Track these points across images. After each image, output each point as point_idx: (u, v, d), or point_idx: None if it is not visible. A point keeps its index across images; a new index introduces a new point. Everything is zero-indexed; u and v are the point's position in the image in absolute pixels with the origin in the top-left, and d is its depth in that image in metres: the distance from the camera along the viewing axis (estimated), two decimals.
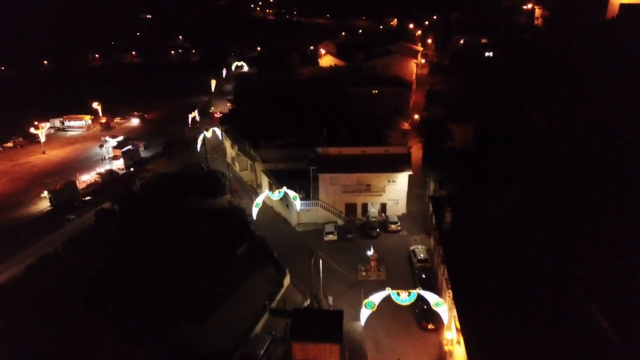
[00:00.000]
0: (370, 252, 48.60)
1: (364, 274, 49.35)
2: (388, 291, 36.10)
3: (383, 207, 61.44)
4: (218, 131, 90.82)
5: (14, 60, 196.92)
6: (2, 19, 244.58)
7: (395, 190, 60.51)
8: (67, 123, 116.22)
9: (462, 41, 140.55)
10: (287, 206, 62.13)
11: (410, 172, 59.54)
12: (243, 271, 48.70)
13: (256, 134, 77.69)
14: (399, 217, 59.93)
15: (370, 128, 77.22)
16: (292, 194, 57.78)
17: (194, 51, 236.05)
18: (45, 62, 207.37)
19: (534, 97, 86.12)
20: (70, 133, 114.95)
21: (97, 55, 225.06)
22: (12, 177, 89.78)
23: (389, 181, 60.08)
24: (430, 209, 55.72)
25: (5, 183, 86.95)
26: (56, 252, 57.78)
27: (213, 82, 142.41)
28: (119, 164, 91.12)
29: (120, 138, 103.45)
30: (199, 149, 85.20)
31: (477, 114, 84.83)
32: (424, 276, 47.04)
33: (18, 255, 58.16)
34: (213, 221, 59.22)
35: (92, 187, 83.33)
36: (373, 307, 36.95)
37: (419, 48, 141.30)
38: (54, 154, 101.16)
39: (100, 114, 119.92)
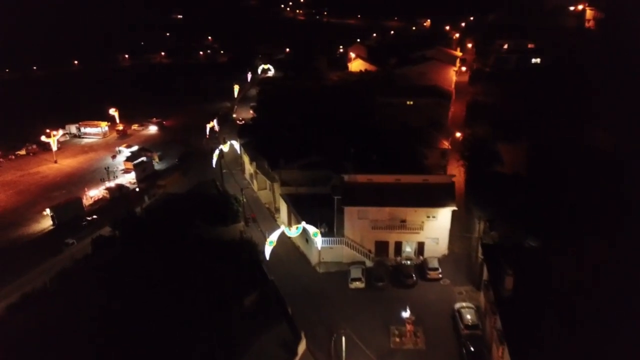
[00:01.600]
0: (406, 314, 39.36)
1: (397, 340, 40.12)
2: None
3: (420, 246, 52.02)
4: (236, 144, 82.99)
5: (46, 60, 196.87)
6: (35, 19, 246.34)
7: (435, 228, 51.00)
8: (83, 130, 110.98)
9: (505, 46, 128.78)
10: (307, 240, 53.45)
11: (454, 208, 49.90)
12: (250, 329, 40.31)
13: (276, 150, 69.48)
14: (439, 260, 50.36)
15: (403, 146, 67.87)
16: (312, 230, 49.16)
17: (222, 52, 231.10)
18: (76, 62, 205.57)
19: (597, 112, 74.99)
20: (85, 140, 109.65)
21: (126, 56, 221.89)
22: (19, 189, 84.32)
23: (428, 217, 50.62)
24: (480, 254, 46.09)
25: (11, 196, 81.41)
26: (44, 288, 50.79)
27: (236, 88, 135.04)
28: (130, 178, 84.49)
29: (135, 148, 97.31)
30: (214, 165, 77.49)
31: (529, 131, 74.43)
32: (472, 349, 37.51)
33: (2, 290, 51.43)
34: (221, 256, 51.35)
35: (99, 204, 76.88)
36: None
37: (458, 53, 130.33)
38: (66, 164, 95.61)
39: (117, 121, 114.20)
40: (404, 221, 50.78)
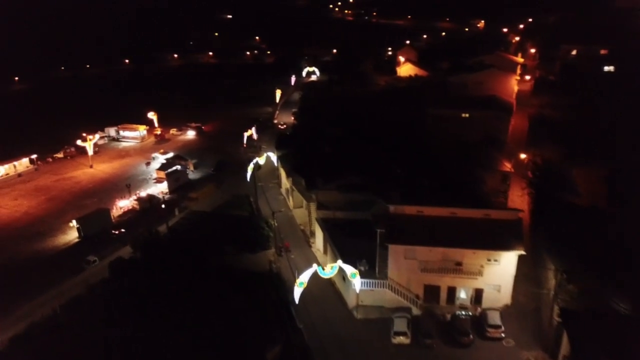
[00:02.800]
0: None
1: None
2: None
3: (478, 293, 43.86)
4: (273, 157, 77.09)
5: (100, 60, 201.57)
6: (90, 19, 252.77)
7: (497, 274, 42.72)
8: (121, 133, 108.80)
9: (574, 52, 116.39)
10: (344, 278, 46.40)
11: (522, 252, 41.41)
12: None
13: (314, 167, 63.05)
14: (501, 313, 42.04)
15: (458, 167, 59.58)
16: (349, 270, 42.11)
17: (268, 53, 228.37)
18: (127, 60, 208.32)
19: None
20: (123, 144, 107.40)
21: (175, 55, 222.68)
22: (51, 195, 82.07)
23: (489, 260, 42.42)
24: (556, 315, 37.57)
25: (42, 203, 79.14)
26: (54, 316, 46.56)
27: (278, 93, 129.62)
28: (162, 187, 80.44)
29: (170, 154, 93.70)
30: (248, 178, 71.88)
31: (606, 153, 64.02)
32: None
33: (7, 318, 47.41)
34: (247, 291, 45.39)
35: (128, 215, 73.08)
36: None
37: (519, 59, 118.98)
38: (101, 169, 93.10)
39: (156, 125, 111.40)
40: (459, 264, 42.82)
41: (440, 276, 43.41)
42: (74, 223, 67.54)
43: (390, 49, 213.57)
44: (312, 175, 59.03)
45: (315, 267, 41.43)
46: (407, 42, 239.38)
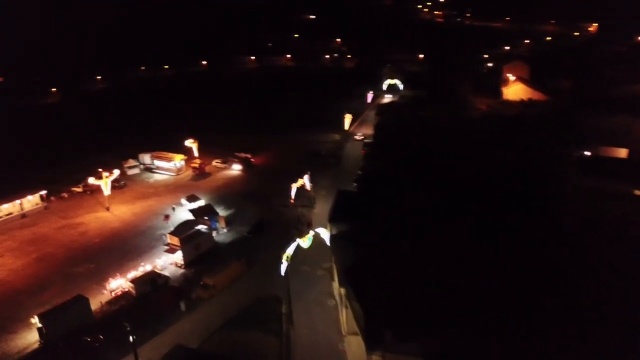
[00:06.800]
0: None
1: None
2: None
3: None
4: (325, 234, 52.52)
5: (175, 60, 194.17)
6: (169, 20, 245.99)
7: None
8: (155, 162, 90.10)
9: None
10: None
11: None
12: None
13: (381, 284, 37.65)
14: None
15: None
16: None
17: (349, 56, 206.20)
18: (204, 62, 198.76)
19: None
20: (156, 176, 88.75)
21: (252, 57, 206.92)
22: (44, 252, 63.99)
23: None
24: None
25: (28, 266, 60.88)
26: None
27: (347, 118, 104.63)
28: (177, 258, 59.17)
29: (202, 202, 72.64)
30: (283, 272, 48.03)
31: None
32: None
33: None
34: None
35: (119, 303, 52.45)
36: None
37: None
38: (118, 214, 74.42)
39: (196, 154, 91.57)
40: None
41: None
42: (35, 320, 47.86)
43: (486, 56, 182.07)
44: (377, 317, 33.47)
45: None
46: (506, 47, 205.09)
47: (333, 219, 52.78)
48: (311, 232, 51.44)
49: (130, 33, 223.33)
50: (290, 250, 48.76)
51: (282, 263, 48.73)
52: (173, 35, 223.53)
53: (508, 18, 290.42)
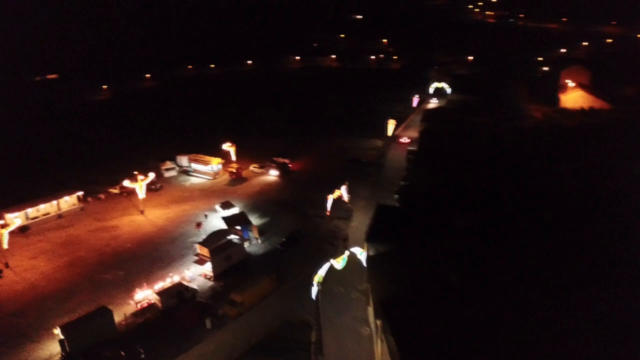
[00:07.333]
0: None
1: None
2: None
3: None
4: (361, 254, 48.30)
5: (226, 60, 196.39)
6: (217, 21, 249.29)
7: None
8: (192, 165, 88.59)
9: None
10: None
11: None
12: None
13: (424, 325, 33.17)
14: None
15: None
16: None
17: (395, 57, 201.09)
18: (249, 62, 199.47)
19: None
20: (193, 180, 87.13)
21: (297, 58, 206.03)
22: (76, 255, 63.07)
23: None
24: None
25: (59, 269, 59.97)
26: None
27: (391, 125, 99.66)
28: (206, 269, 56.67)
29: (235, 210, 70.17)
30: (314, 296, 44.23)
31: None
32: None
33: None
34: None
35: (145, 316, 50.32)
36: None
37: None
38: (152, 218, 73.06)
39: (233, 158, 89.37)
40: None
41: None
42: (57, 331, 46.34)
43: (541, 59, 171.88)
44: (414, 356, 29.11)
45: None
46: (563, 50, 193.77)
47: (370, 238, 48.47)
48: (346, 252, 47.36)
49: (180, 32, 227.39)
50: (322, 272, 44.94)
51: (312, 285, 44.94)
52: (220, 35, 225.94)
53: (564, 19, 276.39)
